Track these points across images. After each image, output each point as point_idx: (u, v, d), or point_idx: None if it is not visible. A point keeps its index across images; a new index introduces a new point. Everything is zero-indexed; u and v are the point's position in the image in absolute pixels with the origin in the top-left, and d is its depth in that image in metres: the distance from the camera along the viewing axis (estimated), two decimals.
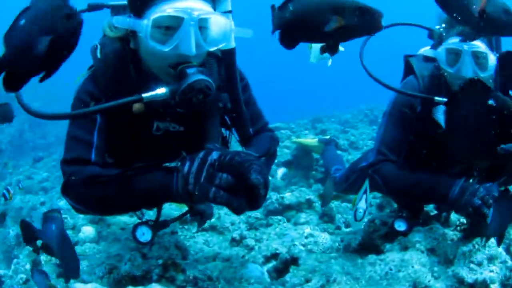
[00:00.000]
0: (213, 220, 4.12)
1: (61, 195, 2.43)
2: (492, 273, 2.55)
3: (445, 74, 3.02)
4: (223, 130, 2.85)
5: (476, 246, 2.64)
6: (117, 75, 2.40)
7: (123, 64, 2.42)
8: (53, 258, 3.81)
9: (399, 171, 3.10)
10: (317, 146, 6.09)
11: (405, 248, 2.84)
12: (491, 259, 2.61)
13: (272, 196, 4.86)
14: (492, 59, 2.86)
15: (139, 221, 2.80)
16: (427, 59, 3.11)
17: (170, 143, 2.62)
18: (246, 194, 1.99)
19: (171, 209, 4.23)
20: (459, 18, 2.28)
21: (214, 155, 2.04)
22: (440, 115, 2.22)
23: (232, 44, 2.48)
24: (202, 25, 2.29)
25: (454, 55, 2.92)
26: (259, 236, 3.91)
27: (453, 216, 3.27)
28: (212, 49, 2.37)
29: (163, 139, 2.60)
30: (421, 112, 3.08)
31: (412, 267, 2.59)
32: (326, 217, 4.51)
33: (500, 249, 2.69)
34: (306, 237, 3.46)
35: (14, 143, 11.56)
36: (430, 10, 3.30)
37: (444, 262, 2.68)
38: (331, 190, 4.49)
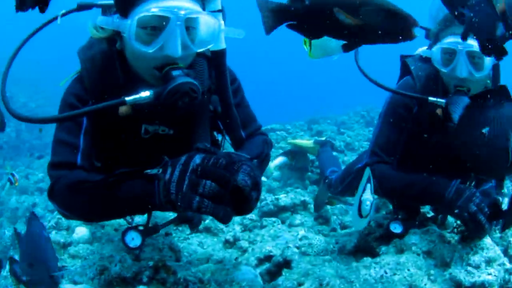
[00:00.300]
0: (207, 221, 4.07)
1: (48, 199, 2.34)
2: (490, 276, 2.49)
3: (441, 74, 2.95)
4: (215, 133, 2.80)
5: (474, 249, 2.57)
6: (103, 76, 2.33)
7: (110, 66, 2.33)
8: None
9: (393, 172, 3.03)
10: (312, 147, 6.04)
11: (400, 251, 2.76)
12: (489, 261, 2.54)
13: (267, 197, 4.80)
14: (488, 59, 2.79)
15: (129, 226, 2.71)
16: (423, 59, 3.05)
17: (159, 146, 2.52)
18: (235, 197, 1.87)
19: (165, 212, 4.14)
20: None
21: (197, 159, 1.87)
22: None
23: (222, 45, 2.39)
24: (189, 25, 2.19)
25: (449, 55, 2.86)
26: (253, 238, 3.86)
27: (450, 218, 3.21)
28: (199, 50, 2.27)
29: (152, 142, 2.52)
30: (417, 113, 3.03)
31: (408, 270, 2.52)
32: (321, 219, 4.46)
33: (498, 251, 2.62)
34: (300, 239, 3.40)
35: (11, 143, 11.54)
36: (424, 9, 3.25)
37: (441, 265, 2.61)
38: (324, 195, 4.45)
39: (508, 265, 2.58)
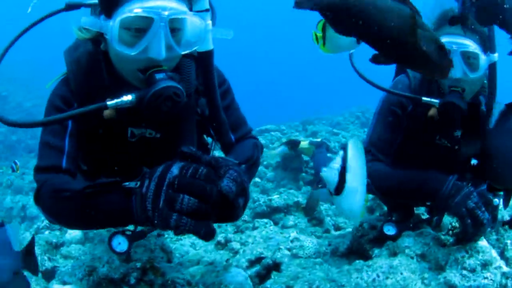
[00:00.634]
0: None
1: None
2: (486, 280, 2.40)
3: None
4: (205, 136, 2.73)
5: (469, 252, 2.48)
6: (89, 78, 2.25)
7: (95, 67, 2.25)
8: (39, 258, 3.81)
9: (388, 168, 2.95)
10: (307, 148, 5.98)
11: (394, 254, 2.67)
12: (485, 265, 2.45)
13: (260, 198, 4.74)
14: (483, 59, 2.70)
15: (115, 230, 2.61)
16: None
17: (147, 149, 2.44)
18: (220, 204, 1.73)
19: None
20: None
21: (174, 170, 1.71)
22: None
23: (209, 46, 2.29)
24: (174, 26, 2.09)
25: None
26: (245, 239, 3.77)
27: (446, 220, 3.13)
28: (184, 52, 2.17)
29: (139, 145, 2.42)
30: (411, 111, 2.94)
31: (401, 274, 2.42)
32: (315, 220, 4.38)
33: (495, 254, 2.53)
34: (292, 241, 3.31)
35: (6, 143, 11.51)
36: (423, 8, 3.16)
37: (435, 269, 2.52)
38: (315, 200, 4.37)
39: (504, 268, 2.49)
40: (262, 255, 3.19)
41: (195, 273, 2.88)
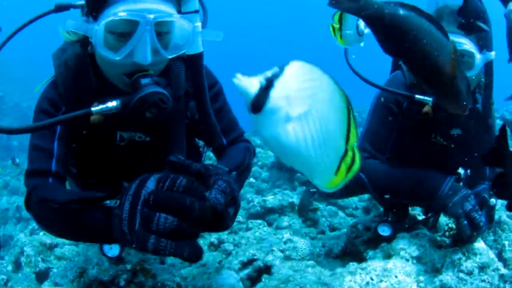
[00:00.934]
0: None
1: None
2: (483, 283, 2.31)
3: None
4: (196, 139, 2.68)
5: (466, 254, 2.40)
6: (76, 81, 2.18)
7: (83, 70, 2.18)
8: (32, 260, 3.87)
9: (385, 166, 2.87)
10: None
11: (388, 256, 2.58)
12: (482, 267, 2.36)
13: (254, 199, 4.68)
14: (479, 58, 2.63)
15: None
16: None
17: (136, 153, 2.38)
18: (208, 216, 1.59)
19: None
20: None
21: (150, 185, 1.53)
22: None
23: (199, 48, 2.21)
24: (160, 29, 2.01)
25: None
26: (238, 240, 3.70)
27: (442, 221, 3.06)
28: (171, 56, 2.09)
29: (128, 149, 2.36)
30: (406, 108, 2.87)
31: (396, 277, 2.34)
32: (310, 221, 4.30)
33: (492, 255, 2.44)
34: (285, 243, 3.23)
35: (2, 143, 11.48)
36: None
37: (431, 271, 2.43)
38: (307, 202, 4.30)
39: (502, 270, 2.41)
40: (255, 257, 3.11)
41: (187, 274, 2.81)
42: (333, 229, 4.31)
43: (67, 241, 3.89)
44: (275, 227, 4.26)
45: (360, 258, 2.94)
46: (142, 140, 2.35)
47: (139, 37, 1.94)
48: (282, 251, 3.17)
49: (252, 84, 1.36)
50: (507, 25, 2.37)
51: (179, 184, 1.51)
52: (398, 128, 2.92)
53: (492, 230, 3.19)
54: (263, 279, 2.63)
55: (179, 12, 2.09)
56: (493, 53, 2.64)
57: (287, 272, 2.61)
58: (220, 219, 1.62)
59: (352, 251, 3.10)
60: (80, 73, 2.17)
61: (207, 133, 2.42)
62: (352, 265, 2.53)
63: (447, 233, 2.59)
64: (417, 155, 2.92)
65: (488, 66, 2.70)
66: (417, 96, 2.66)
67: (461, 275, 2.33)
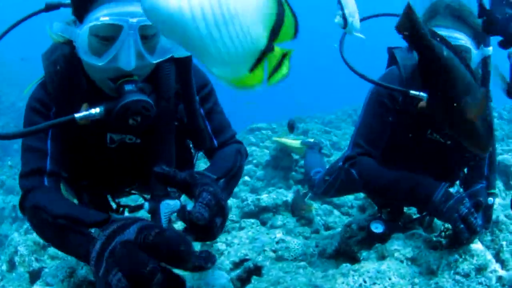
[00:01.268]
0: None
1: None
2: (481, 285, 2.20)
3: None
4: (188, 141, 2.61)
5: (463, 255, 2.30)
6: (66, 82, 2.12)
7: (72, 71, 2.12)
8: (26, 259, 3.83)
9: (378, 166, 2.77)
10: (299, 148, 5.84)
11: (382, 257, 2.47)
12: (479, 270, 2.26)
13: (249, 197, 4.62)
14: (475, 53, 2.55)
15: None
16: (411, 49, 2.81)
17: (127, 155, 2.33)
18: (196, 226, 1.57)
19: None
20: None
21: (127, 234, 1.47)
22: None
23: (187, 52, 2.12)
24: (146, 32, 1.93)
25: None
26: (230, 240, 3.61)
27: (438, 220, 2.97)
28: (157, 61, 2.02)
29: (119, 151, 2.31)
30: (402, 103, 2.78)
31: (389, 279, 2.23)
32: (304, 220, 4.23)
33: (490, 257, 2.33)
34: (278, 243, 3.15)
35: None
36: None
37: (427, 273, 2.33)
38: (300, 202, 4.25)
39: (500, 272, 2.30)
40: (247, 257, 3.06)
41: (178, 275, 2.71)
42: (328, 228, 4.25)
43: None
44: (269, 226, 4.21)
45: (354, 259, 2.87)
46: (132, 142, 2.30)
47: (122, 42, 1.87)
48: (274, 251, 3.11)
49: None
50: (511, 65, 2.31)
51: (153, 240, 1.40)
52: (393, 124, 2.83)
53: (489, 230, 3.11)
54: (252, 281, 2.55)
55: None
56: (490, 48, 2.55)
57: (277, 274, 2.54)
58: (207, 231, 1.62)
59: (346, 251, 3.02)
60: (69, 74, 2.12)
61: (195, 136, 2.38)
62: (345, 267, 2.44)
63: (443, 234, 2.49)
64: (412, 152, 2.84)
65: (485, 62, 2.60)
66: (411, 91, 2.56)
67: (458, 277, 2.23)
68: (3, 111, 13.65)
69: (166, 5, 1.13)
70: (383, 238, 2.72)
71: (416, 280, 2.27)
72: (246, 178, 6.00)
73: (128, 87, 1.92)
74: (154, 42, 1.99)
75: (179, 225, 3.69)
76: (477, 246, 2.35)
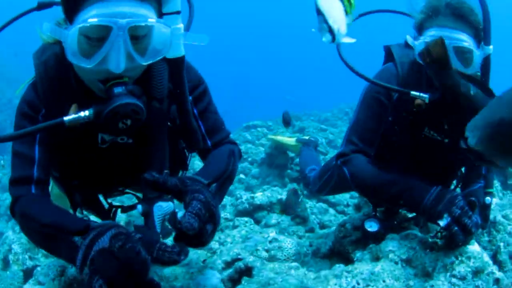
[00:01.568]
0: None
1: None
2: None
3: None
4: (181, 141, 2.56)
5: (459, 257, 2.23)
6: (56, 82, 2.10)
7: (62, 71, 2.09)
8: (20, 257, 3.79)
9: (370, 166, 2.70)
10: (294, 145, 5.79)
11: (376, 258, 2.40)
12: (476, 272, 2.18)
13: (243, 195, 4.57)
14: (478, 54, 2.47)
15: None
16: (409, 46, 2.73)
17: (119, 156, 2.31)
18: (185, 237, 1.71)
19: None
20: None
21: (102, 242, 1.69)
22: None
23: (180, 52, 2.08)
24: (136, 33, 1.87)
25: None
26: (224, 239, 3.56)
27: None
28: (147, 63, 1.96)
29: (111, 152, 2.28)
30: (397, 101, 2.72)
31: (383, 281, 2.16)
32: (299, 218, 4.18)
33: (487, 258, 2.26)
34: (270, 242, 3.07)
35: None
36: None
37: (422, 275, 2.26)
38: (292, 201, 4.21)
39: (497, 274, 2.24)
40: (239, 256, 2.97)
41: (169, 274, 2.74)
42: (323, 226, 4.22)
43: None
44: (263, 224, 4.16)
45: (348, 259, 2.81)
46: (124, 142, 2.27)
47: (111, 44, 1.82)
48: (267, 250, 3.05)
49: None
50: None
51: (126, 247, 1.63)
52: (387, 121, 2.78)
53: (486, 230, 3.04)
54: (243, 282, 2.50)
55: (160, 13, 1.96)
56: (491, 47, 2.48)
57: (268, 275, 2.47)
58: (197, 239, 1.73)
59: (340, 251, 2.97)
60: (59, 75, 2.10)
61: (188, 137, 2.35)
62: (338, 267, 2.37)
63: (439, 234, 2.42)
64: (408, 149, 2.78)
65: (485, 60, 2.53)
66: (412, 92, 2.52)
67: (454, 280, 2.16)
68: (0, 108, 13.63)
69: None
70: (377, 237, 2.67)
71: (411, 283, 2.20)
72: (241, 176, 5.98)
73: (117, 89, 1.89)
74: (146, 43, 1.94)
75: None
76: (474, 247, 2.28)
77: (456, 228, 2.26)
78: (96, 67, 1.86)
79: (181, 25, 1.99)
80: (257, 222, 4.23)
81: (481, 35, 2.52)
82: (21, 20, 2.31)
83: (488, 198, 2.54)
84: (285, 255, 3.00)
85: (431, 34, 2.51)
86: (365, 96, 2.84)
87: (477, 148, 1.88)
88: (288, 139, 6.02)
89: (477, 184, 2.81)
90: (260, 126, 8.82)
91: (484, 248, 2.82)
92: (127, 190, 2.77)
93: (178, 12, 2.00)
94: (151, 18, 1.87)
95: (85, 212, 2.61)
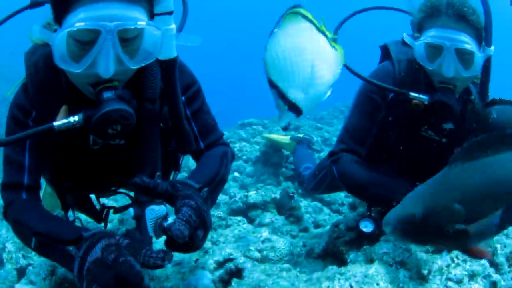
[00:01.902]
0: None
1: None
2: None
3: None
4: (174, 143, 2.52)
5: (455, 260, 2.18)
6: (46, 84, 2.06)
7: (53, 73, 2.04)
8: (14, 256, 3.73)
9: (356, 165, 2.68)
10: (288, 143, 5.74)
11: (370, 260, 2.36)
12: (473, 275, 2.13)
13: (237, 194, 4.55)
14: (479, 57, 2.40)
15: None
16: (406, 44, 2.67)
17: (111, 157, 2.28)
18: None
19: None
20: None
21: (94, 253, 1.73)
22: None
23: (172, 53, 2.03)
24: (126, 35, 1.81)
25: (434, 50, 2.44)
26: (216, 238, 3.50)
27: None
28: (137, 66, 1.90)
29: (103, 153, 2.25)
30: (392, 101, 2.66)
31: (377, 284, 2.10)
32: (293, 218, 4.13)
33: (483, 261, 2.22)
34: (263, 242, 3.03)
35: None
36: None
37: (417, 278, 2.20)
38: (286, 201, 4.13)
39: (494, 277, 2.19)
40: (231, 256, 2.93)
41: (160, 274, 2.73)
42: (317, 225, 4.16)
43: None
44: (257, 223, 4.12)
45: (341, 260, 2.77)
46: (116, 143, 2.24)
47: (100, 48, 1.77)
48: (259, 250, 3.00)
49: None
50: None
51: (117, 257, 1.67)
52: (382, 120, 2.72)
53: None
54: (232, 283, 2.47)
55: (152, 14, 1.90)
56: (492, 48, 2.41)
57: (258, 277, 2.43)
58: (189, 245, 1.72)
59: (334, 251, 2.92)
60: (49, 77, 2.06)
61: (180, 138, 2.31)
62: (331, 269, 2.31)
63: None
64: (405, 149, 2.72)
65: (486, 60, 2.47)
66: (411, 93, 2.48)
67: (450, 283, 2.11)
68: None
69: None
70: (373, 237, 2.63)
71: (406, 286, 2.15)
72: (236, 174, 5.94)
73: (107, 94, 1.84)
74: (136, 45, 1.88)
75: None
76: None
77: None
78: (85, 71, 1.81)
79: (173, 26, 1.94)
80: (251, 221, 4.19)
81: (483, 36, 2.45)
82: (17, 18, 2.29)
83: None
84: (277, 256, 2.96)
85: (431, 34, 2.44)
86: (359, 95, 2.79)
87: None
88: (282, 137, 5.97)
89: None
90: (255, 124, 8.75)
91: None
92: (120, 190, 2.73)
93: (170, 13, 1.95)
94: (141, 21, 1.81)
95: (77, 213, 2.58)
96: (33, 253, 3.85)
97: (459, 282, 2.11)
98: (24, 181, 2.15)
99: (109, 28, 1.72)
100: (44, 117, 1.98)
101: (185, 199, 1.76)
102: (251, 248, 2.98)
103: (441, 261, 2.21)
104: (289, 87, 1.99)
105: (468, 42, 2.37)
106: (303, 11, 2.00)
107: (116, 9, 1.75)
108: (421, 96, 2.46)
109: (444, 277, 2.13)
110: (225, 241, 3.42)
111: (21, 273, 3.58)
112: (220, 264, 2.92)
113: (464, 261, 2.17)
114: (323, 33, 2.06)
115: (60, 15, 1.81)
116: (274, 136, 6.09)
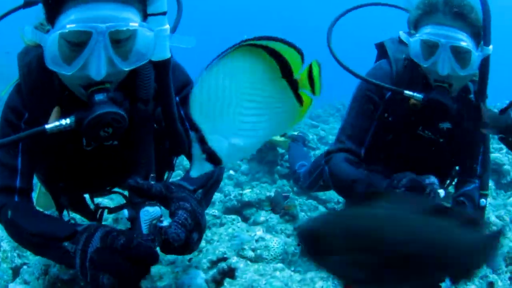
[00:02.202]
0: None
1: None
2: None
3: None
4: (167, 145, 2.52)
5: None
6: (39, 85, 2.04)
7: (45, 74, 2.00)
8: (9, 255, 3.71)
9: (345, 163, 2.65)
10: (283, 141, 5.71)
11: None
12: None
13: (231, 192, 4.50)
14: (476, 55, 2.36)
15: None
16: (403, 42, 2.64)
17: (105, 158, 2.29)
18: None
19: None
20: None
21: (94, 243, 1.78)
22: None
23: (165, 54, 1.99)
24: (118, 37, 1.78)
25: (429, 47, 2.41)
26: (210, 237, 3.47)
27: None
28: (129, 68, 1.87)
29: (96, 154, 2.25)
30: (389, 100, 2.64)
31: None
32: (288, 216, 4.08)
33: None
34: (257, 241, 3.00)
35: None
36: None
37: None
38: (280, 200, 4.06)
39: (491, 277, 2.19)
40: (225, 255, 2.92)
41: (154, 273, 2.72)
42: None
43: None
44: (251, 222, 4.08)
45: None
46: (110, 144, 2.22)
47: (91, 49, 1.73)
48: (253, 250, 2.97)
49: None
50: None
51: (117, 243, 1.72)
52: (379, 119, 2.70)
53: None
54: (225, 283, 2.45)
55: (145, 15, 1.87)
56: (490, 47, 2.37)
57: (251, 277, 2.40)
58: (184, 247, 1.73)
59: None
60: (42, 78, 2.04)
61: (174, 140, 2.27)
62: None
63: None
64: (401, 149, 2.70)
65: (484, 60, 2.43)
66: (406, 91, 2.45)
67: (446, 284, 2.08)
68: None
69: None
70: None
71: None
72: (231, 172, 5.90)
73: (98, 96, 1.82)
74: (129, 47, 1.85)
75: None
76: None
77: None
78: (77, 73, 1.78)
79: (167, 27, 1.91)
80: (246, 219, 4.15)
81: (481, 34, 2.41)
82: (12, 18, 2.26)
83: (483, 200, 2.44)
84: (271, 255, 2.93)
85: (427, 31, 2.41)
86: (357, 94, 2.76)
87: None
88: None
89: (472, 184, 2.72)
90: None
91: None
92: (115, 189, 2.71)
93: (164, 13, 1.92)
94: (133, 22, 1.78)
95: (71, 214, 2.57)
96: (28, 252, 3.84)
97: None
98: (16, 184, 2.15)
99: (101, 29, 1.69)
100: (37, 118, 1.98)
101: (180, 201, 1.77)
102: (245, 247, 2.96)
103: None
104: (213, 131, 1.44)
105: (464, 40, 2.33)
106: (273, 45, 1.45)
107: (108, 10, 1.72)
108: (415, 94, 2.43)
109: None
110: (219, 240, 3.39)
111: (16, 272, 3.53)
112: (213, 263, 2.90)
113: None
114: (291, 80, 1.53)
115: (52, 15, 1.78)
116: None
